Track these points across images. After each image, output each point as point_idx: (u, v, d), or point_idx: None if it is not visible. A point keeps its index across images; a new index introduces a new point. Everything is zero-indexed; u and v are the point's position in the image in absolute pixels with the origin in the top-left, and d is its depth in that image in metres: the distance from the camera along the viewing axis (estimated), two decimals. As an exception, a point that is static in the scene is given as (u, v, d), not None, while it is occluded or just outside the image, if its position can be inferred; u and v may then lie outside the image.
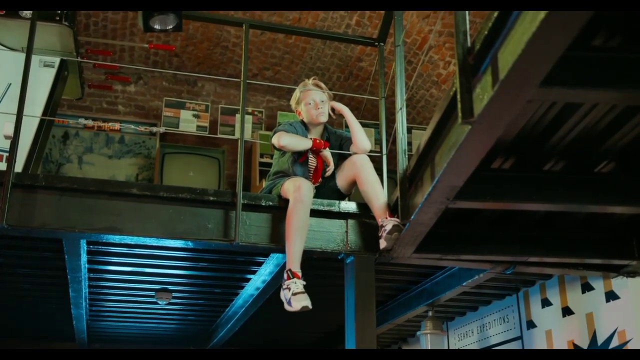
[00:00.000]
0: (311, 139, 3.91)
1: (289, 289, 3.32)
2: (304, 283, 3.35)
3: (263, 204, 3.62)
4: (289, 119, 5.62)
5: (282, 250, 3.64)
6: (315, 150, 3.91)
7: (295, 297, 3.28)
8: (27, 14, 3.98)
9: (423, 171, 2.96)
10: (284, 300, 3.38)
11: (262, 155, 7.02)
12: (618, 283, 4.11)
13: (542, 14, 1.65)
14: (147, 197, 3.46)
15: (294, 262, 3.40)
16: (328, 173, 3.95)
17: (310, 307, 3.29)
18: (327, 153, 3.93)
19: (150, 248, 3.95)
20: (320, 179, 3.96)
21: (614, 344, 4.08)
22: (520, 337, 5.07)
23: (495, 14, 1.96)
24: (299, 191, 3.48)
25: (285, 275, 3.39)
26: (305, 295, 3.30)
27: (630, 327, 4.00)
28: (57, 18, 4.07)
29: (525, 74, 1.88)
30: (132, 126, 6.23)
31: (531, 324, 4.96)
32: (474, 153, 2.39)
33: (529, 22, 1.74)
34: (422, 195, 2.90)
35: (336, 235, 3.67)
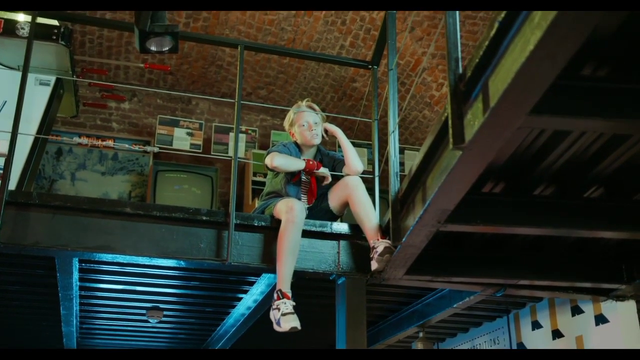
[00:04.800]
0: (304, 160, 3.94)
1: (279, 309, 3.33)
2: (294, 304, 3.36)
3: (255, 224, 3.63)
4: (283, 138, 5.65)
5: (274, 270, 3.65)
6: (308, 172, 3.94)
7: (285, 318, 3.29)
8: (24, 32, 4.02)
9: (415, 194, 2.99)
10: (273, 320, 3.38)
11: (255, 174, 7.05)
12: (607, 307, 4.14)
13: (531, 45, 1.69)
14: (140, 216, 3.47)
15: (285, 282, 3.41)
16: (326, 182, 3.96)
17: (299, 328, 3.29)
18: (323, 169, 3.95)
19: (142, 267, 3.94)
20: (314, 200, 3.98)
21: (604, 367, 4.10)
22: (510, 359, 5.07)
23: (487, 42, 2.00)
24: (291, 212, 3.50)
25: (275, 296, 3.40)
26: (295, 316, 3.31)
27: (619, 350, 4.02)
28: (54, 37, 4.10)
29: (515, 102, 1.91)
30: (127, 146, 6.25)
31: (521, 346, 4.97)
32: (465, 177, 2.42)
33: (518, 52, 1.77)
34: (413, 218, 2.93)
35: (328, 256, 3.68)
